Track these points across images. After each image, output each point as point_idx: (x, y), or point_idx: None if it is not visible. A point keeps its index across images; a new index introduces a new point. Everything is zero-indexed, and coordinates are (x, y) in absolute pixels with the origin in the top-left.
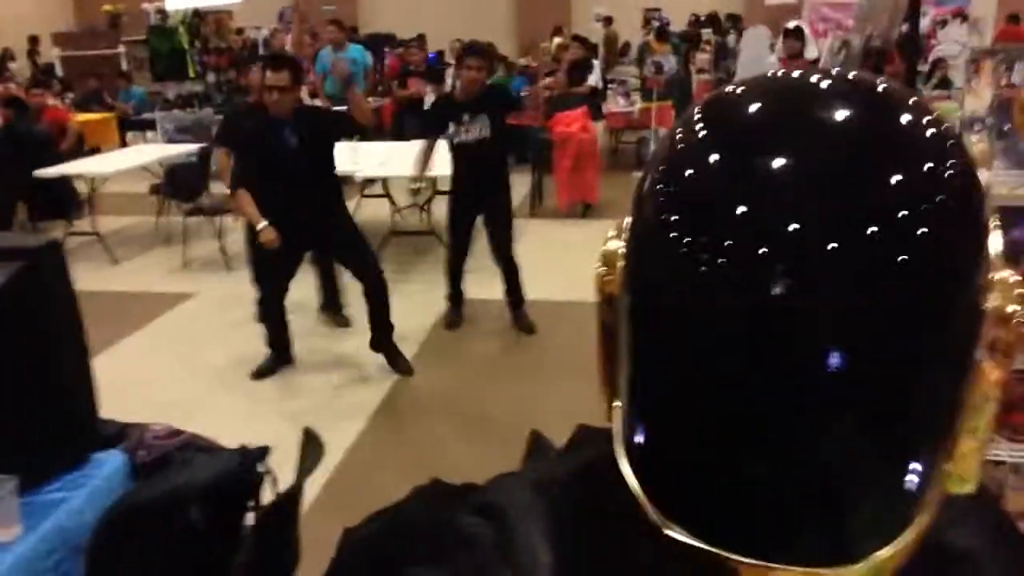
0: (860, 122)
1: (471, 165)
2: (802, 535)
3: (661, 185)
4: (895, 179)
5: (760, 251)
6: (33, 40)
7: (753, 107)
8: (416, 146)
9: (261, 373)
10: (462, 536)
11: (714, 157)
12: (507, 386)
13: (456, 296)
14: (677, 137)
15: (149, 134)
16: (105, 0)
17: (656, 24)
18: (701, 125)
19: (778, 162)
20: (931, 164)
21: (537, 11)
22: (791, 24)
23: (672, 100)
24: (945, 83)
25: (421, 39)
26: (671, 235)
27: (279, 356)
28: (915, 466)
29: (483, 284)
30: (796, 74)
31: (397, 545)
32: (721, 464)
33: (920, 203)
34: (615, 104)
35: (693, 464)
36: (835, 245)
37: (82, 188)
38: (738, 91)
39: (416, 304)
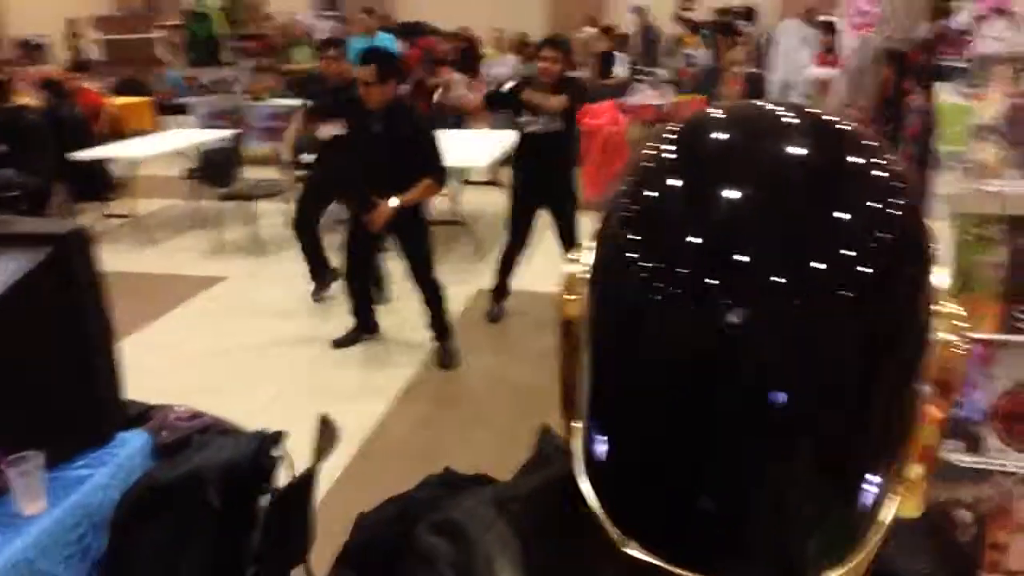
0: (814, 160)
1: (538, 156)
2: (753, 555)
3: (625, 200)
4: (842, 217)
5: (709, 281)
6: (72, 24)
7: (717, 136)
8: (449, 137)
9: (341, 343)
10: (421, 554)
11: (674, 182)
12: (529, 376)
13: (501, 289)
14: (647, 155)
15: (190, 119)
16: None
17: (686, 13)
18: (669, 147)
19: (733, 194)
20: (878, 204)
21: (572, 1)
22: (823, 18)
23: (706, 94)
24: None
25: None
26: (629, 255)
27: (362, 326)
28: (863, 492)
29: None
30: (767, 106)
31: (405, 531)
32: (676, 485)
33: (865, 241)
34: (646, 97)
35: (649, 484)
36: (781, 280)
37: (120, 171)
38: (710, 118)
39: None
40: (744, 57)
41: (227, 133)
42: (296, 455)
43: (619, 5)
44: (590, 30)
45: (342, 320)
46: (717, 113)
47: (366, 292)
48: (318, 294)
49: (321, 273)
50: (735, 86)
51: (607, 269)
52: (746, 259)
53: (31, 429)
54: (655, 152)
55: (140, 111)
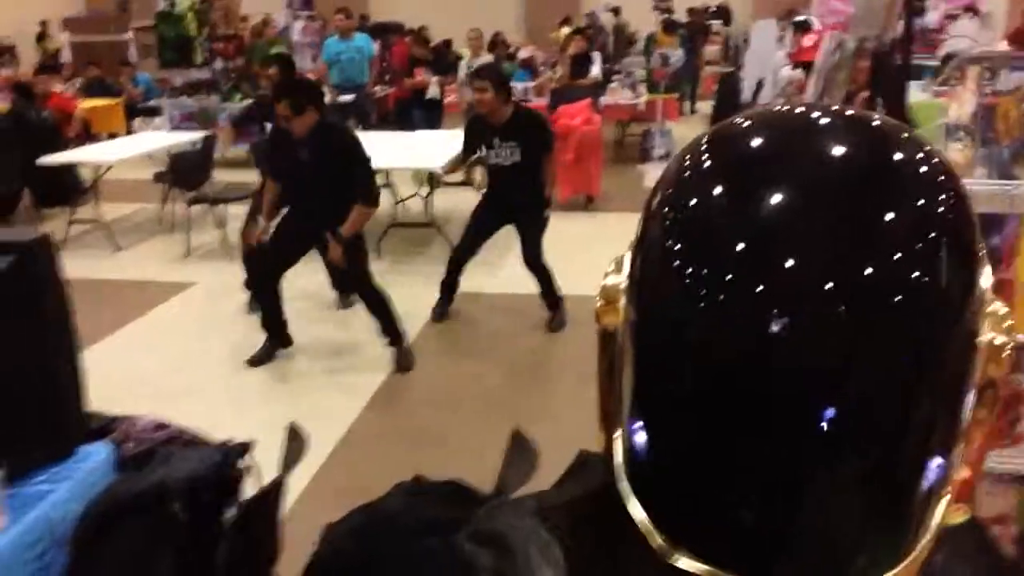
0: (856, 161)
1: (502, 186)
2: (802, 561)
3: (667, 209)
4: (890, 218)
5: (758, 289)
6: (43, 25)
7: (757, 141)
8: (423, 138)
9: (257, 361)
10: (463, 563)
11: (718, 190)
12: (501, 379)
13: (448, 289)
14: (685, 163)
15: (157, 120)
16: None
17: (663, 16)
18: (707, 155)
19: (778, 200)
20: (924, 201)
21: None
22: (799, 18)
23: (679, 92)
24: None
25: (419, 33)
26: (675, 263)
27: (274, 342)
28: (912, 498)
29: (480, 277)
30: (799, 109)
31: (375, 541)
32: (722, 493)
33: (914, 243)
34: (621, 96)
35: (695, 492)
36: (831, 285)
37: (87, 175)
38: (744, 124)
39: (413, 296)
40: (719, 56)
41: (198, 135)
42: (264, 464)
43: (595, 4)
44: (566, 30)
45: (310, 326)
46: (751, 118)
47: (279, 306)
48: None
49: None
50: (710, 85)
51: (649, 277)
52: (792, 264)
53: None
54: (693, 159)
55: (110, 113)
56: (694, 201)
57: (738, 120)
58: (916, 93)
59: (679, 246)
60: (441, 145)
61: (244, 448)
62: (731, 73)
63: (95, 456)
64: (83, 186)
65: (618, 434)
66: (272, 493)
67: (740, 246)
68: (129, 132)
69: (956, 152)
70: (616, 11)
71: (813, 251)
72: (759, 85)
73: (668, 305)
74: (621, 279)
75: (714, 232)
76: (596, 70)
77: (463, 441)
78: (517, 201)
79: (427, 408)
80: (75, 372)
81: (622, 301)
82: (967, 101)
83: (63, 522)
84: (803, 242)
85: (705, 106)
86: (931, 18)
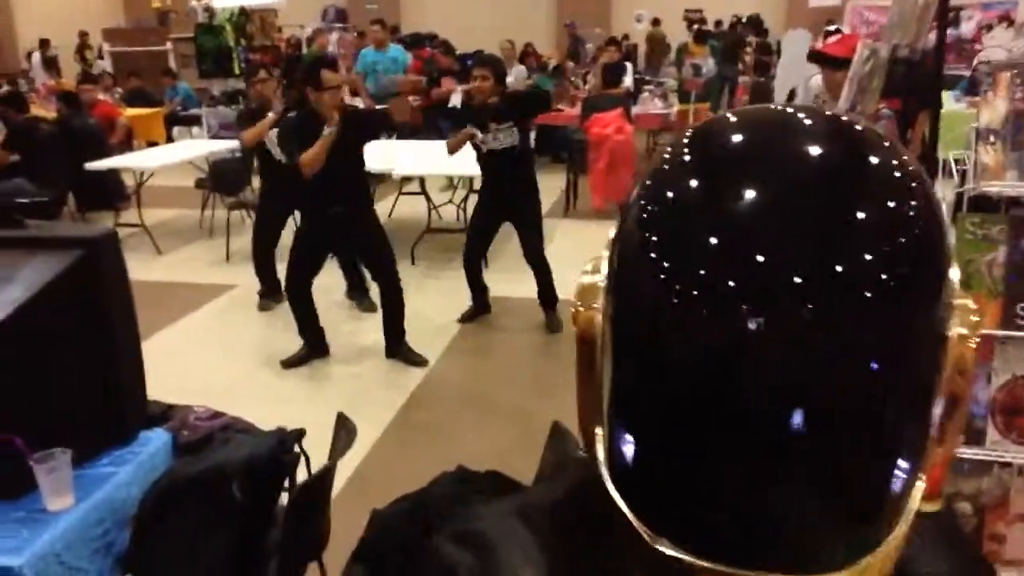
0: (833, 162)
1: (498, 173)
2: (779, 547)
3: (645, 201)
4: (861, 219)
5: (730, 284)
6: (83, 36)
7: (736, 138)
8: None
9: (290, 363)
10: (443, 565)
11: (695, 184)
12: (534, 381)
13: (476, 291)
14: (666, 157)
15: (195, 129)
16: None
17: (695, 27)
18: (687, 150)
19: (753, 196)
20: (896, 204)
21: (578, 11)
22: (830, 27)
23: (710, 102)
24: None
25: (446, 44)
26: (650, 255)
27: (312, 347)
28: (885, 488)
29: (511, 282)
30: (783, 109)
31: (420, 525)
32: (700, 483)
33: (885, 242)
34: (652, 106)
35: (675, 483)
36: (802, 283)
37: (129, 181)
38: (728, 120)
39: (448, 300)
40: (751, 67)
41: (237, 143)
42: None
43: (627, 14)
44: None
45: (350, 330)
46: (735, 115)
47: (312, 310)
48: (266, 305)
49: (272, 287)
50: (742, 95)
51: (626, 270)
52: (764, 260)
53: (59, 427)
54: (674, 153)
55: (151, 122)
56: (671, 194)
57: (722, 117)
58: (948, 103)
59: (655, 238)
60: (471, 151)
61: (299, 434)
62: (762, 82)
63: (155, 442)
64: (126, 191)
65: (599, 430)
66: (323, 479)
67: (714, 241)
68: (169, 140)
69: (987, 156)
70: (655, 22)
71: (785, 248)
72: (791, 94)
73: (643, 298)
74: (598, 278)
75: (689, 226)
76: (628, 80)
77: (495, 441)
78: (512, 194)
79: (460, 409)
80: (136, 362)
81: (599, 300)
82: (998, 106)
83: (125, 503)
84: (776, 239)
85: None
86: (966, 28)
